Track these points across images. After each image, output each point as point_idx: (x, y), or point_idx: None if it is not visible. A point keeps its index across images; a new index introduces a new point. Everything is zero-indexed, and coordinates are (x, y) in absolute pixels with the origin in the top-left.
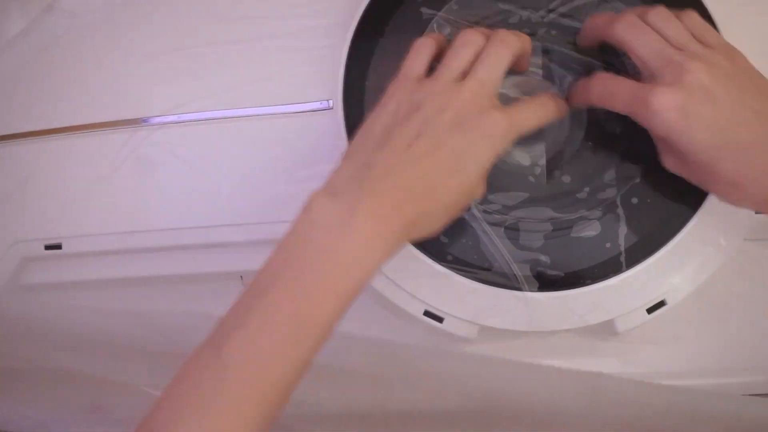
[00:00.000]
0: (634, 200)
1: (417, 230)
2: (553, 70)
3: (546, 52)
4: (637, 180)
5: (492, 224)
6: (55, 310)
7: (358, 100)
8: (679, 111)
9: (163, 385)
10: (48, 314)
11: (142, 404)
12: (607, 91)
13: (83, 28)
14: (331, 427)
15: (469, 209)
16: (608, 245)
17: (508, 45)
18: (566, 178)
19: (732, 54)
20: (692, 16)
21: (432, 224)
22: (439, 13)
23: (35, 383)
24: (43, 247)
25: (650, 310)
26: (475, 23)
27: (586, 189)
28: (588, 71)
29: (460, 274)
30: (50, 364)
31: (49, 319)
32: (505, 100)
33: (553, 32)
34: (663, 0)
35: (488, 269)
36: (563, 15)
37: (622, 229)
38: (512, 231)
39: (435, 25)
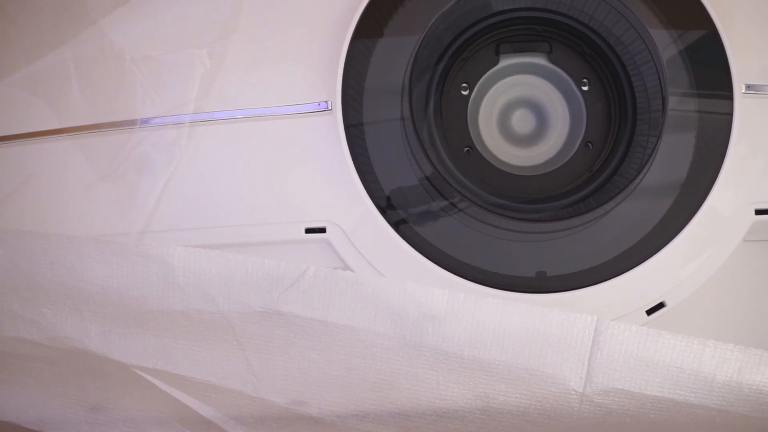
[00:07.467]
0: (634, 201)
1: None
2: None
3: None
4: (636, 181)
5: (492, 225)
6: (63, 263)
7: (356, 101)
8: None
9: (168, 372)
10: (58, 268)
11: (143, 404)
12: None
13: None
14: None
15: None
16: (608, 247)
17: None
18: (566, 180)
19: None
20: None
21: None
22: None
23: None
24: None
25: (650, 312)
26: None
27: (586, 191)
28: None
29: (459, 276)
30: (53, 332)
31: (58, 274)
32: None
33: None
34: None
35: (489, 271)
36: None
37: (622, 231)
38: (512, 233)
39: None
